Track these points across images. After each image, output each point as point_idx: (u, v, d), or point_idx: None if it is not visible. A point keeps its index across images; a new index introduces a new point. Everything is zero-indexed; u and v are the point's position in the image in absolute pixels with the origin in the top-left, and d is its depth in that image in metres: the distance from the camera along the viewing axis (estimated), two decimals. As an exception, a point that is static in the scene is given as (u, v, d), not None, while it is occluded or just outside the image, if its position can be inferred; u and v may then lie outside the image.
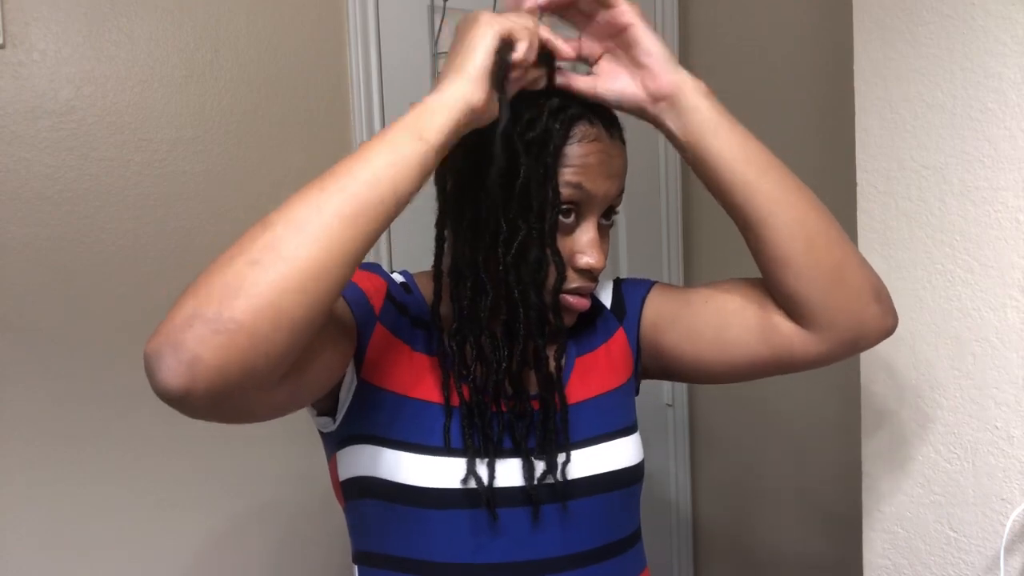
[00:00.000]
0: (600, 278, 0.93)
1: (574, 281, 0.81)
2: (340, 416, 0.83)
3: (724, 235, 2.12)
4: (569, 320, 0.83)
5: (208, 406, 0.59)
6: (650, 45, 0.79)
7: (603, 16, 0.80)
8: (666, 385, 2.14)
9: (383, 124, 1.66)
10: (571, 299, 0.81)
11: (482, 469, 0.78)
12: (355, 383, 0.81)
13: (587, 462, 0.83)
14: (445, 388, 0.80)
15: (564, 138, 0.78)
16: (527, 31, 0.74)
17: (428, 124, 0.68)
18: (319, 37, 1.61)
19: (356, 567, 0.86)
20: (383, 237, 1.67)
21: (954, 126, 0.98)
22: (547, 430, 0.81)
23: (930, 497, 1.04)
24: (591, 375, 0.88)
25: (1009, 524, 0.95)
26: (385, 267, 1.67)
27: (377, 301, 0.83)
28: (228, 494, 1.54)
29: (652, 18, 2.05)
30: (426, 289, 0.87)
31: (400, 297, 0.85)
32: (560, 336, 0.82)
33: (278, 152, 1.57)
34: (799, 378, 1.86)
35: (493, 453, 0.79)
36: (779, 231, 0.79)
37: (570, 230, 0.80)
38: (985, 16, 0.95)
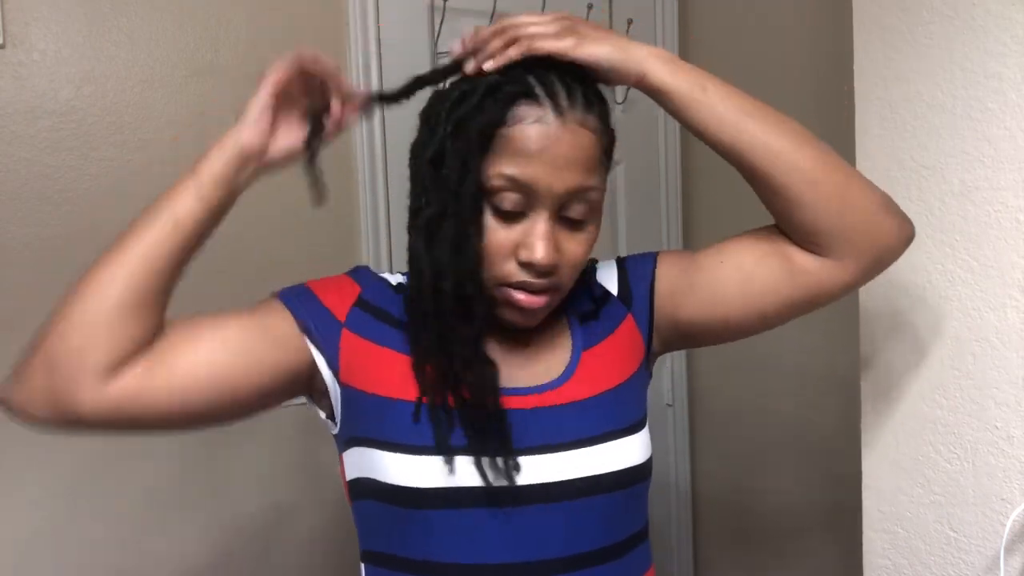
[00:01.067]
0: (601, 259, 0.92)
1: (514, 276, 0.77)
2: (338, 420, 0.83)
3: (724, 229, 2.12)
4: (525, 320, 0.81)
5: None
6: (587, 59, 0.77)
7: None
8: (666, 385, 2.14)
9: (383, 123, 1.66)
10: (517, 295, 0.77)
11: (468, 468, 0.77)
12: (338, 389, 0.81)
13: (592, 461, 0.81)
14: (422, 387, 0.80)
15: (499, 120, 0.74)
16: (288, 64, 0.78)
17: (206, 178, 0.76)
18: (319, 37, 1.61)
19: (362, 565, 0.86)
20: (383, 236, 1.67)
21: (954, 126, 0.98)
22: (535, 426, 0.80)
23: (930, 497, 1.04)
24: (598, 369, 0.86)
25: (1009, 524, 0.95)
26: (385, 267, 1.67)
27: (342, 309, 0.82)
28: (233, 492, 1.54)
29: (652, 18, 2.05)
30: None
31: (377, 300, 0.84)
32: (491, 330, 0.81)
33: (278, 152, 1.57)
34: (799, 378, 1.87)
35: (478, 452, 0.77)
36: (779, 175, 0.79)
37: (515, 220, 0.76)
38: (985, 16, 0.95)
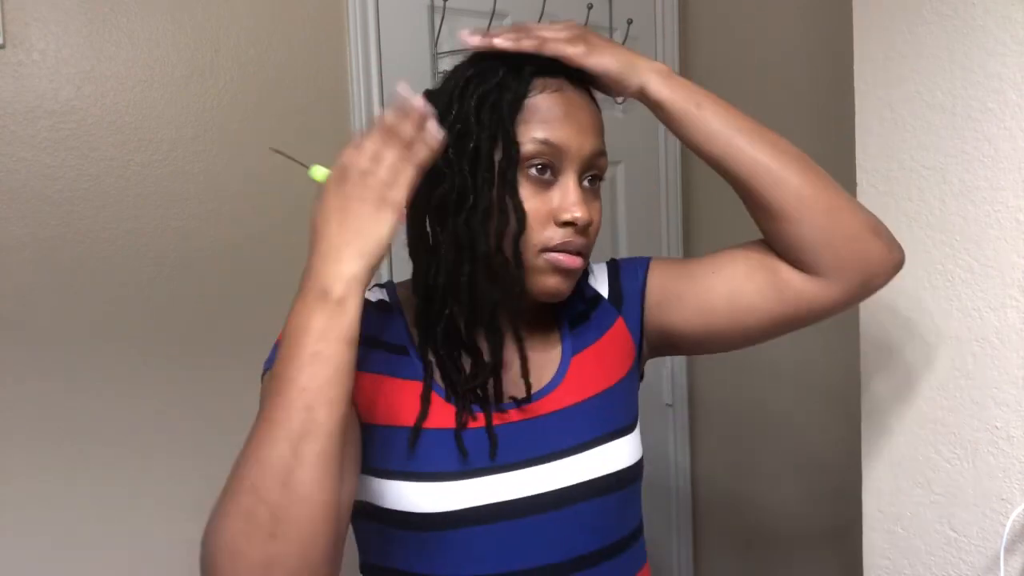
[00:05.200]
0: (592, 262, 0.92)
1: (558, 237, 0.78)
2: None
3: (724, 229, 2.13)
4: (565, 285, 0.80)
5: None
6: (595, 67, 0.80)
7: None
8: (666, 385, 2.15)
9: (383, 124, 1.66)
10: (560, 256, 0.78)
11: (471, 489, 0.77)
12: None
13: (584, 466, 0.81)
14: (423, 410, 0.79)
15: (524, 91, 0.77)
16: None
17: (339, 322, 0.66)
18: (319, 37, 1.61)
19: None
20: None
21: (954, 126, 0.98)
22: (526, 438, 0.79)
23: (930, 497, 1.04)
24: (588, 373, 0.86)
25: (1009, 524, 0.95)
26: (384, 275, 1.67)
27: None
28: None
29: (652, 18, 2.05)
30: (407, 301, 0.86)
31: (370, 329, 0.81)
32: (523, 311, 0.82)
33: (278, 152, 1.57)
34: (799, 379, 1.87)
35: (482, 471, 0.78)
36: (766, 188, 0.82)
37: (546, 186, 0.78)
38: (985, 16, 0.95)
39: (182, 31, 1.48)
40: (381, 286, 0.88)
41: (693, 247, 2.14)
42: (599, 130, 0.82)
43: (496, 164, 0.76)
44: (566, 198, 0.78)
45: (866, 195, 1.08)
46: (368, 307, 0.82)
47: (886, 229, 0.86)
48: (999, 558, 0.95)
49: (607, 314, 0.91)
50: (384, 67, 1.66)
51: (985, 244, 0.97)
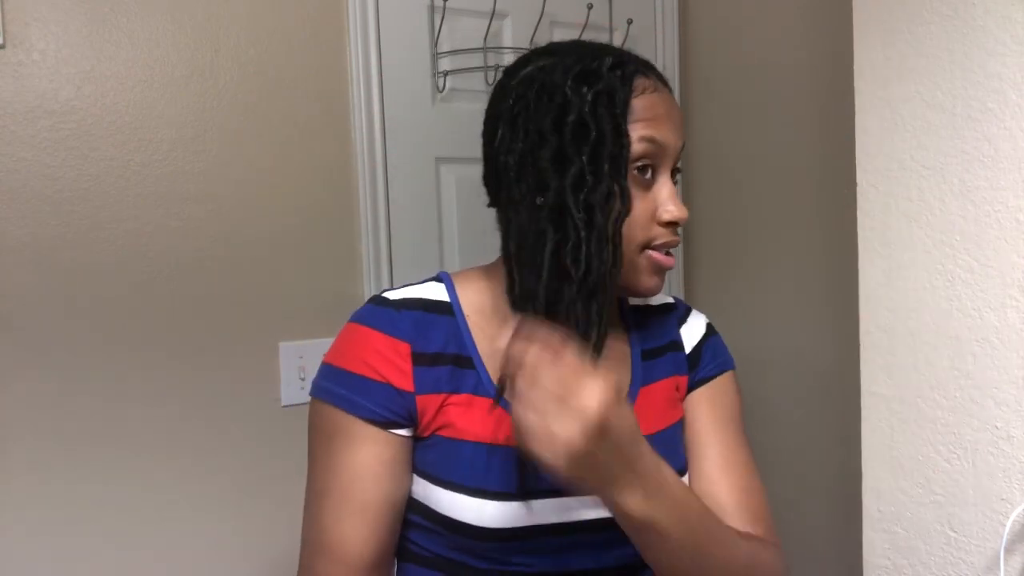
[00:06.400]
0: (695, 311, 0.94)
1: (661, 237, 0.80)
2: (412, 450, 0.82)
3: (724, 229, 2.13)
4: (660, 284, 0.82)
5: None
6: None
7: None
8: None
9: (383, 124, 1.66)
10: (661, 256, 0.80)
11: (520, 512, 0.77)
12: (417, 440, 0.80)
13: None
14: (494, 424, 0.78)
15: (629, 91, 0.78)
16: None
17: None
18: (319, 37, 1.61)
19: (395, 561, 0.86)
20: (383, 236, 1.67)
21: (954, 126, 0.98)
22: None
23: (930, 497, 1.04)
24: (652, 408, 0.85)
25: (1009, 524, 0.95)
26: (384, 275, 1.67)
27: (405, 379, 0.78)
28: (232, 492, 1.54)
29: (652, 18, 2.05)
30: (472, 293, 0.84)
31: (427, 346, 0.79)
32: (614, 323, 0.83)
33: (278, 152, 1.57)
34: (799, 379, 1.87)
35: (533, 493, 0.77)
36: None
37: (647, 186, 0.79)
38: (985, 16, 0.95)
39: (182, 31, 1.48)
40: (438, 280, 0.86)
41: (693, 247, 2.14)
42: (683, 124, 0.83)
43: (617, 161, 0.76)
44: (667, 197, 0.80)
45: (866, 195, 1.08)
46: (423, 311, 0.81)
47: None
48: (999, 558, 0.95)
49: (679, 365, 0.90)
50: (384, 67, 1.66)
51: (985, 244, 0.96)
